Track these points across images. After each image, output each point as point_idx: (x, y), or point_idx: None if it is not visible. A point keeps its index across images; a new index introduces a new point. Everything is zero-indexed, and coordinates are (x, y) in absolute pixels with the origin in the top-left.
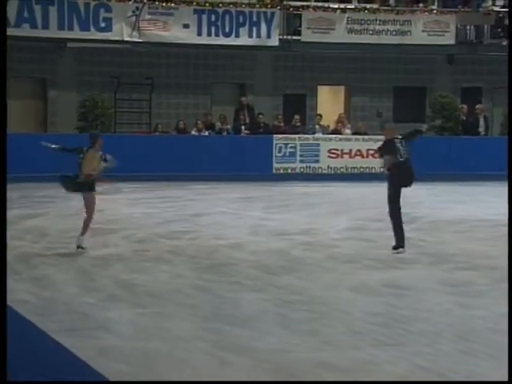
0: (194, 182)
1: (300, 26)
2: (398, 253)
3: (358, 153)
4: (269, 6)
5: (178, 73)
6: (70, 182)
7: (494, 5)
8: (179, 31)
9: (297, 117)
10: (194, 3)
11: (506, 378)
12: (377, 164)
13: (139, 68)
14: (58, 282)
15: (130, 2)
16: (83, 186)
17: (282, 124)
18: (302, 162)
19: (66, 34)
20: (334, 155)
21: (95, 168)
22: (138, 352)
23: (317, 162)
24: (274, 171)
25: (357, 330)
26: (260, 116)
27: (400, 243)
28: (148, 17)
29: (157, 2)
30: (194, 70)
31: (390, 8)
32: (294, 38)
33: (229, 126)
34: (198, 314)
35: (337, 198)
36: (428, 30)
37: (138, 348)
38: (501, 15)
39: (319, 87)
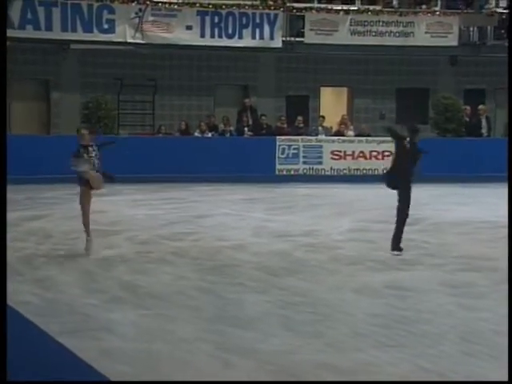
0: (196, 183)
1: (303, 28)
2: (396, 255)
3: (361, 154)
4: (272, 8)
5: (181, 74)
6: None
7: (497, 6)
8: (182, 33)
9: (300, 118)
10: (197, 5)
11: (507, 379)
12: (380, 166)
13: (142, 70)
14: (61, 284)
15: (133, 4)
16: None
17: (285, 125)
18: (304, 163)
19: (69, 36)
20: (336, 157)
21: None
22: (140, 353)
23: (320, 163)
24: (277, 173)
25: (359, 332)
26: (263, 117)
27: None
28: (151, 18)
29: (160, 4)
30: (197, 72)
31: (393, 10)
32: (297, 39)
33: (232, 128)
34: (200, 315)
35: (340, 199)
36: (431, 32)
37: (140, 349)
38: (504, 16)
39: (322, 89)
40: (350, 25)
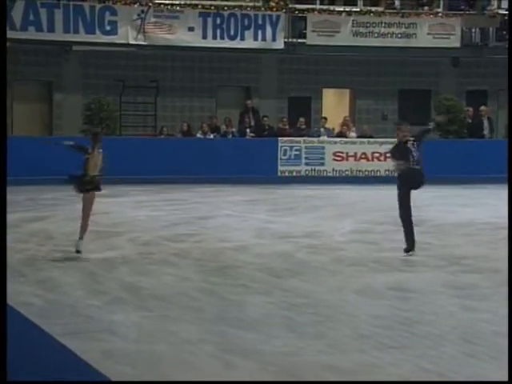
0: (198, 184)
1: (305, 29)
2: (409, 255)
3: (363, 156)
4: (274, 9)
5: (183, 76)
6: (77, 181)
7: (499, 7)
8: (184, 34)
9: (302, 120)
10: (200, 6)
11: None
12: (382, 167)
13: (144, 71)
14: (63, 285)
15: (136, 5)
16: (89, 184)
17: (287, 127)
18: (307, 164)
19: (71, 37)
20: (339, 158)
21: (100, 168)
22: (143, 355)
23: (322, 164)
24: (279, 174)
25: (361, 333)
26: (265, 119)
27: (410, 246)
28: (153, 20)
29: (162, 5)
30: (199, 73)
31: (395, 11)
32: (299, 40)
33: (234, 129)
34: (203, 316)
35: (342, 200)
36: (433, 33)
37: (143, 351)
38: (506, 18)
39: (324, 90)
40: (352, 26)
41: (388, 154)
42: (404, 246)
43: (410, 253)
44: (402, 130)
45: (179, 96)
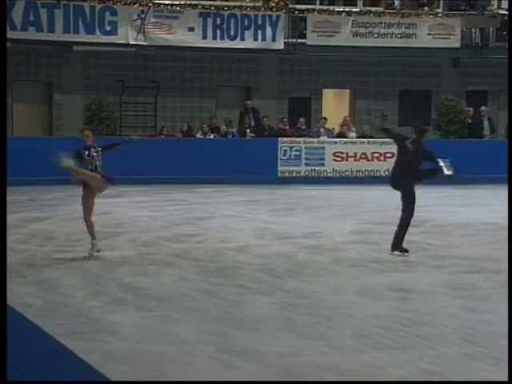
0: (198, 185)
1: (305, 30)
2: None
3: (363, 156)
4: (274, 10)
5: (183, 76)
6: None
7: (499, 7)
8: (184, 34)
9: (302, 120)
10: (199, 6)
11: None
12: (382, 167)
13: (145, 71)
14: (64, 286)
15: (136, 6)
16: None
17: (287, 127)
18: (306, 165)
19: (71, 38)
20: (339, 158)
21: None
22: (142, 355)
23: (322, 165)
24: (279, 174)
25: (362, 334)
26: (265, 119)
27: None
28: (153, 20)
29: (162, 6)
30: (199, 74)
31: (395, 11)
32: (299, 41)
33: (234, 129)
34: (203, 317)
35: (342, 201)
36: (433, 33)
37: (142, 351)
38: (506, 18)
39: (324, 90)
40: (352, 26)
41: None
42: (405, 246)
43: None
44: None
45: (179, 96)
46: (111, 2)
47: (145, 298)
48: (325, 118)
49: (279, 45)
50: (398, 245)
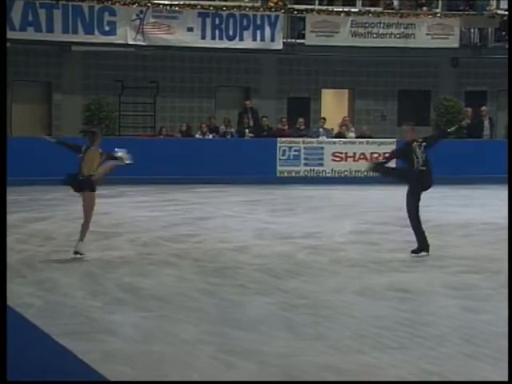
0: (197, 185)
1: (304, 30)
2: (417, 256)
3: (362, 156)
4: (273, 10)
5: (182, 76)
6: (73, 180)
7: (497, 8)
8: (183, 35)
9: (301, 120)
10: (198, 7)
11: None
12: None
13: (144, 71)
14: (63, 286)
15: (135, 6)
16: (85, 184)
17: (286, 127)
18: (306, 165)
19: (70, 38)
20: (338, 159)
21: (96, 169)
22: (142, 355)
23: (321, 165)
24: (278, 174)
25: (362, 334)
26: (264, 119)
27: (421, 247)
28: (152, 20)
29: (161, 6)
30: (198, 74)
31: (394, 11)
32: (298, 41)
33: (233, 130)
34: (202, 317)
35: (341, 201)
36: (432, 34)
37: (142, 351)
38: (505, 18)
39: (323, 90)
40: (351, 26)
41: (389, 154)
42: (406, 246)
43: (422, 253)
44: (404, 130)
45: (178, 96)
46: (110, 2)
47: (144, 298)
48: (324, 118)
49: (278, 45)
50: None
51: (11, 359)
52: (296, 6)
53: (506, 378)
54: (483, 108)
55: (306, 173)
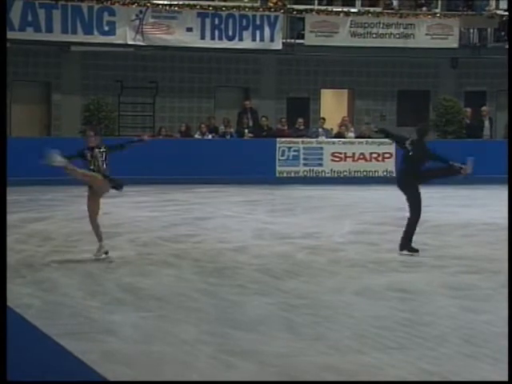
0: (197, 185)
1: (303, 30)
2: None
3: (362, 156)
4: (272, 10)
5: (181, 76)
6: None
7: (497, 8)
8: (183, 35)
9: (300, 120)
10: (198, 7)
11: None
12: (380, 168)
13: (143, 71)
14: (63, 286)
15: (134, 6)
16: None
17: (286, 127)
18: (305, 165)
19: (69, 38)
20: (337, 159)
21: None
22: (142, 355)
23: (320, 165)
24: (278, 175)
25: (361, 334)
26: (263, 119)
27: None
28: (151, 20)
29: (160, 6)
30: (197, 74)
31: (393, 11)
32: (298, 41)
33: (232, 130)
34: (202, 317)
35: (340, 201)
36: (431, 34)
37: (142, 351)
38: (504, 18)
39: (323, 91)
40: (351, 26)
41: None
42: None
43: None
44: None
45: (178, 97)
46: (109, 3)
47: (144, 298)
48: (323, 119)
49: (277, 45)
50: (406, 244)
51: (11, 359)
52: (295, 6)
53: (505, 378)
54: (483, 108)
55: (305, 173)
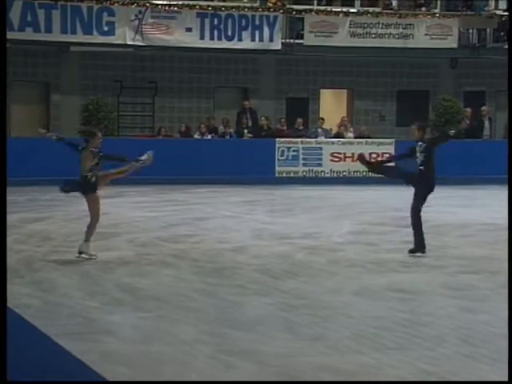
0: (196, 185)
1: (303, 30)
2: (414, 256)
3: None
4: (271, 10)
5: (181, 76)
6: (70, 183)
7: (496, 8)
8: (182, 35)
9: (299, 120)
10: (197, 7)
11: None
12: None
13: (142, 72)
14: (62, 286)
15: (133, 6)
16: (82, 186)
17: (285, 127)
18: (304, 165)
19: (68, 38)
20: (336, 159)
21: (89, 169)
22: (141, 356)
23: (319, 165)
24: (277, 175)
25: (360, 334)
26: (263, 119)
27: (417, 247)
28: (151, 20)
29: (159, 6)
30: (197, 74)
31: (392, 12)
32: (297, 41)
33: (231, 130)
34: (201, 317)
35: (339, 201)
36: (431, 34)
37: (140, 352)
38: (503, 19)
39: (322, 91)
40: (350, 27)
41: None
42: (405, 246)
43: (418, 253)
44: (411, 129)
45: (177, 97)
46: (109, 3)
47: (143, 298)
48: (322, 119)
49: (277, 45)
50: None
51: (11, 359)
52: (295, 7)
53: (504, 379)
54: (483, 108)
55: (304, 173)
